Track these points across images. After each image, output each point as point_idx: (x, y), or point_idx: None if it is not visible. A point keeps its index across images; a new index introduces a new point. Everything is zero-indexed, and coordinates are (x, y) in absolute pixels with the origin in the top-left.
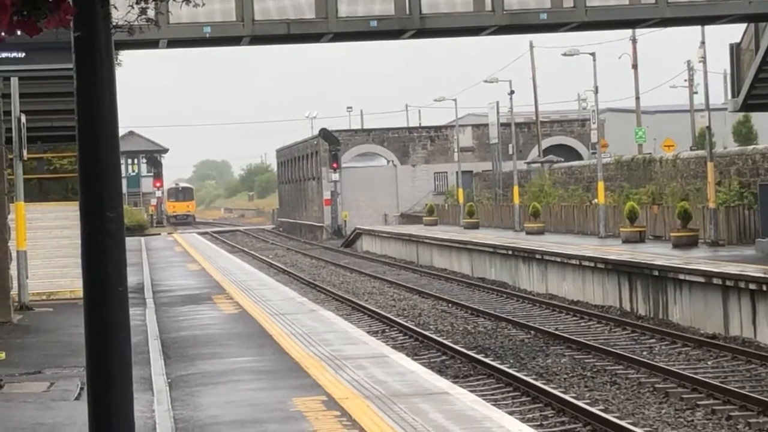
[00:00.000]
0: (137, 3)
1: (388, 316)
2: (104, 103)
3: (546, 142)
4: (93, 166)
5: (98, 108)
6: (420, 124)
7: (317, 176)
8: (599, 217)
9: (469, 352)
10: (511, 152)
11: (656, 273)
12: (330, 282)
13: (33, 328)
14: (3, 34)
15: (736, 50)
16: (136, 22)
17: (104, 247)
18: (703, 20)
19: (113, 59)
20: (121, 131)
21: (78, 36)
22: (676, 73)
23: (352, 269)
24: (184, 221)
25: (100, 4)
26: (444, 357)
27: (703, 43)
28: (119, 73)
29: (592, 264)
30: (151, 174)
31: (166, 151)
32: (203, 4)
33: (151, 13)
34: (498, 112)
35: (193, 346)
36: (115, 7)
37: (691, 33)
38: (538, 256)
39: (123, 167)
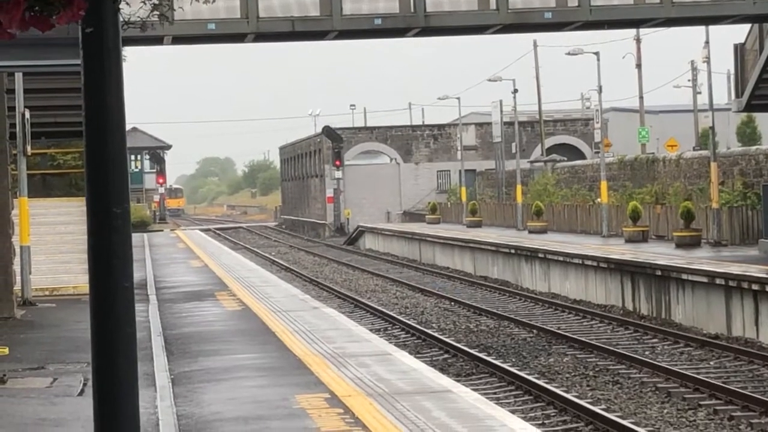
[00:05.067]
0: None
1: (391, 314)
2: (112, 99)
3: (549, 141)
4: (100, 162)
5: (106, 103)
6: (423, 122)
7: (320, 174)
8: (602, 216)
9: (472, 351)
10: (514, 151)
11: (659, 273)
12: (332, 279)
13: (36, 324)
14: (15, 30)
15: (740, 50)
16: (147, 18)
17: (110, 243)
18: (708, 20)
19: (121, 55)
20: None
21: (86, 32)
22: (680, 73)
23: (355, 267)
24: (175, 214)
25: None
26: (446, 355)
27: (707, 43)
28: (124, 69)
29: (594, 263)
30: (154, 170)
31: (169, 147)
32: (213, 1)
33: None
34: (501, 111)
35: (196, 343)
36: (127, 3)
37: (695, 33)
38: (540, 255)
39: None
